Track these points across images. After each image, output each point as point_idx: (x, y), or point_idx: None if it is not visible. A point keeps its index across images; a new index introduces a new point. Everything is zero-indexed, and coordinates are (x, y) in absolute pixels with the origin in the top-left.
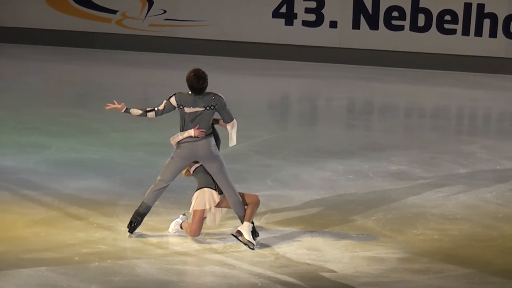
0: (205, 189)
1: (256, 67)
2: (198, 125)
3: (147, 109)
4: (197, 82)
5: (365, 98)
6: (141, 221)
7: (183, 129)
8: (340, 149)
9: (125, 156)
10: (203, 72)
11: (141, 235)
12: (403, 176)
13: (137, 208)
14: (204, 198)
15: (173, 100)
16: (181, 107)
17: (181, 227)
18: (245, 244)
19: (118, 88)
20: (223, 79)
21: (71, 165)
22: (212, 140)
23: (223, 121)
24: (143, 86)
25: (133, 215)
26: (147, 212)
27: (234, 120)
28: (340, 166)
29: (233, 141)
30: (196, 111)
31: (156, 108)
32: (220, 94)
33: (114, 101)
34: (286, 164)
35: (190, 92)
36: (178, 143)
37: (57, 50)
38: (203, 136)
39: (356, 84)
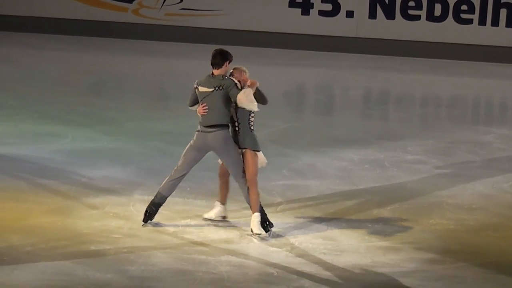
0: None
1: (272, 57)
2: (204, 104)
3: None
4: (213, 54)
5: (381, 87)
6: (156, 211)
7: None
8: (356, 138)
9: (140, 145)
10: (220, 49)
11: (157, 225)
12: (419, 165)
13: (153, 197)
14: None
15: (194, 84)
16: (197, 86)
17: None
18: (257, 235)
19: (134, 78)
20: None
21: (87, 154)
22: (226, 132)
23: (232, 100)
24: (160, 75)
25: (148, 205)
26: (163, 202)
27: (242, 91)
28: (356, 155)
29: (254, 105)
30: (206, 91)
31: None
32: (233, 79)
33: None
34: (302, 153)
35: (209, 75)
36: (196, 130)
37: (73, 39)
38: (205, 113)
39: (372, 74)
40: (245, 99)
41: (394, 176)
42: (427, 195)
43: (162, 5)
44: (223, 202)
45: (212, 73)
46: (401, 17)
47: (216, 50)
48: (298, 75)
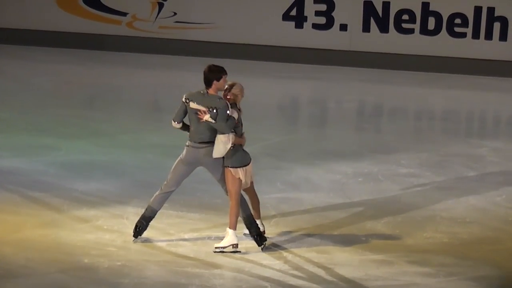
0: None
1: (266, 70)
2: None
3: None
4: (205, 71)
5: (375, 100)
6: (147, 225)
7: (190, 128)
8: (350, 151)
9: (134, 158)
10: (209, 67)
11: (148, 239)
12: (412, 179)
13: (143, 211)
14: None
15: (183, 98)
16: (187, 101)
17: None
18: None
19: (128, 90)
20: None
21: (80, 167)
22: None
23: (218, 131)
24: (153, 87)
25: (139, 219)
26: (153, 216)
27: (231, 135)
28: (350, 168)
29: (218, 152)
30: (198, 109)
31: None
32: (228, 102)
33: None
34: (296, 166)
35: (202, 91)
36: (185, 145)
37: (67, 52)
38: (203, 117)
39: (366, 87)
40: (223, 142)
41: (387, 189)
42: (421, 208)
43: (156, 18)
44: (257, 216)
45: (207, 91)
46: (394, 31)
47: (206, 67)
48: (292, 88)
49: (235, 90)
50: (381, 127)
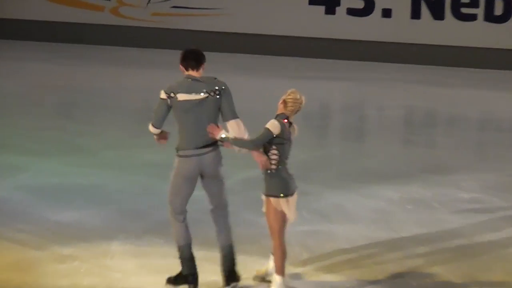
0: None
1: (287, 68)
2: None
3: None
4: (191, 50)
5: (426, 106)
6: (195, 268)
7: (181, 131)
8: (396, 171)
9: (121, 180)
10: (191, 48)
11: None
12: (475, 206)
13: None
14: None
15: (162, 94)
16: (172, 95)
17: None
18: None
19: (113, 95)
20: (244, 83)
21: (53, 192)
22: (219, 152)
23: (223, 118)
24: (145, 91)
25: (182, 269)
26: (192, 251)
27: (239, 119)
28: (395, 193)
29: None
30: (193, 99)
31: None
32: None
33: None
34: (326, 191)
35: (186, 78)
36: (179, 155)
37: (36, 46)
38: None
39: (415, 89)
40: (239, 131)
41: (444, 219)
42: (488, 244)
43: (148, 2)
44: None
45: (192, 76)
46: (452, 17)
47: (191, 48)
48: (320, 91)
49: (287, 96)
50: (435, 140)
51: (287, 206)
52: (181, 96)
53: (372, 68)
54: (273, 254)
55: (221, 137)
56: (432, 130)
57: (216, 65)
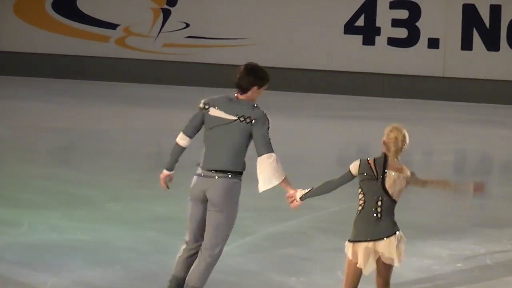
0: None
1: (320, 105)
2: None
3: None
4: (246, 70)
5: (480, 150)
6: None
7: (204, 147)
8: (445, 225)
9: (129, 237)
10: (257, 65)
11: None
12: None
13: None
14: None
15: (201, 103)
16: (207, 107)
17: None
18: None
19: (119, 138)
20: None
21: (50, 250)
22: (235, 183)
23: (257, 151)
24: (156, 133)
25: None
26: None
27: (274, 154)
28: (444, 250)
29: (266, 183)
30: (223, 118)
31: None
32: (265, 115)
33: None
34: None
35: (229, 96)
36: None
37: (31, 82)
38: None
39: (467, 130)
40: (270, 168)
41: (501, 280)
42: None
43: (160, 32)
44: None
45: (236, 97)
46: (508, 47)
47: (248, 65)
48: (358, 132)
49: (386, 136)
50: (491, 189)
51: (354, 253)
52: (213, 111)
53: (418, 106)
54: None
55: (302, 198)
56: (487, 178)
57: None
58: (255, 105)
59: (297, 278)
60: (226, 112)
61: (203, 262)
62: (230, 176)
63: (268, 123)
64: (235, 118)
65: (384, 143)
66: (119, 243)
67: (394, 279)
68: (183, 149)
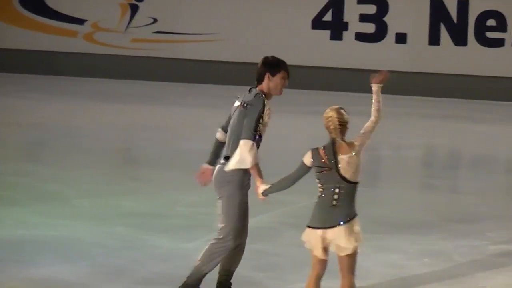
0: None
1: (287, 100)
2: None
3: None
4: (263, 62)
5: (448, 145)
6: None
7: None
8: (412, 220)
9: (98, 233)
10: (272, 56)
11: None
12: (504, 259)
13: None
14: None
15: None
16: (235, 100)
17: None
18: None
19: (88, 134)
20: None
21: (18, 245)
22: (232, 171)
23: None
24: (125, 130)
25: None
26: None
27: (251, 141)
28: (412, 245)
29: (234, 163)
30: (235, 107)
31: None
32: (264, 98)
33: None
34: None
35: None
36: None
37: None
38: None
39: (436, 125)
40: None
41: (468, 275)
42: None
43: (127, 27)
44: None
45: (256, 87)
46: (476, 43)
47: (270, 57)
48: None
49: (324, 121)
50: (458, 184)
51: (312, 239)
52: (235, 103)
53: (385, 101)
54: None
55: (264, 193)
56: (455, 173)
57: (209, 100)
58: (260, 93)
59: (265, 273)
60: (238, 100)
61: (209, 243)
62: (225, 162)
63: (262, 111)
64: (238, 105)
65: (326, 127)
66: (87, 238)
67: (360, 273)
68: (220, 143)
